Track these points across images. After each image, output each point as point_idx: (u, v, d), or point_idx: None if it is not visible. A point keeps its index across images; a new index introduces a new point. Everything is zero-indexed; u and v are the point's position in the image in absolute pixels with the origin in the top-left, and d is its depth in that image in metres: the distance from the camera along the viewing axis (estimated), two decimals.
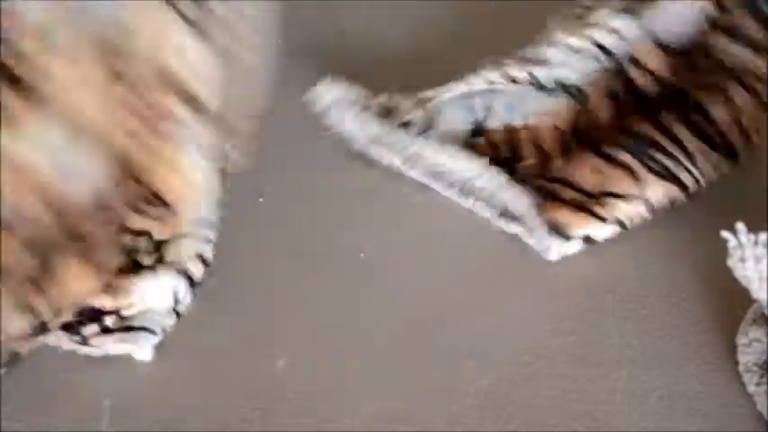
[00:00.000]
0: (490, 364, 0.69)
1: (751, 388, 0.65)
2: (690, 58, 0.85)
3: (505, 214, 0.80)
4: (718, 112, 0.80)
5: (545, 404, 0.66)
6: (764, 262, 0.60)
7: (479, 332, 0.71)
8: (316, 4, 1.10)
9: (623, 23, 0.89)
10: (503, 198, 0.79)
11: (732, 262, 0.60)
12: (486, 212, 0.81)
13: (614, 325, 0.71)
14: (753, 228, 0.60)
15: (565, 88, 0.89)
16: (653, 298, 0.73)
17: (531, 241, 0.78)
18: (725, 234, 0.60)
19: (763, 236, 0.60)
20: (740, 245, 0.59)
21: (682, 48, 0.85)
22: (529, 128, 0.87)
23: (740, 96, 0.80)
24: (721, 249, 0.62)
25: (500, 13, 1.07)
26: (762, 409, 0.64)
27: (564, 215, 0.78)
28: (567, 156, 0.85)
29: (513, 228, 0.79)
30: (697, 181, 0.78)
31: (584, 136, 0.86)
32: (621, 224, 0.78)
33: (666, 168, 0.79)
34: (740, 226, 0.59)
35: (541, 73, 0.91)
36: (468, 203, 0.81)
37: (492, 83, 0.90)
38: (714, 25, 0.84)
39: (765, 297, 0.62)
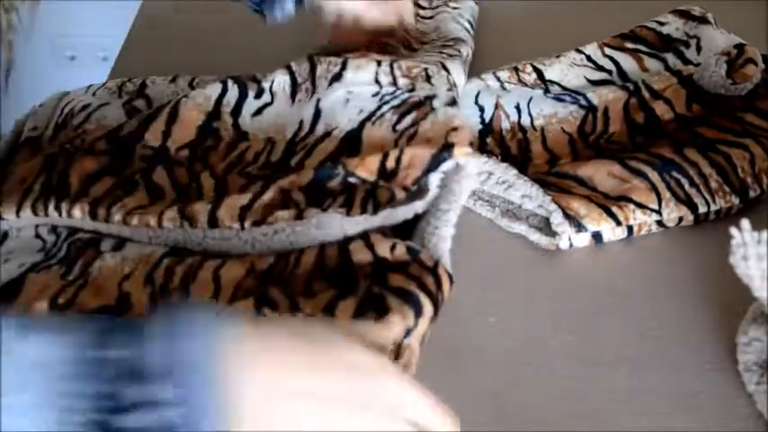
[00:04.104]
0: (490, 363, 0.69)
1: (751, 387, 0.65)
2: (712, 111, 0.87)
3: (508, 213, 0.80)
4: (736, 155, 0.81)
5: (545, 404, 0.66)
6: (767, 260, 0.59)
7: (479, 332, 0.71)
8: None
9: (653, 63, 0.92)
10: (515, 191, 0.79)
11: (734, 260, 0.60)
12: (487, 212, 0.81)
13: (614, 325, 0.71)
14: (756, 226, 0.60)
15: (573, 96, 0.90)
16: (653, 298, 0.73)
17: (534, 237, 0.78)
18: (731, 230, 0.59)
19: (765, 234, 0.59)
20: (743, 243, 0.59)
21: (708, 102, 0.87)
22: (537, 129, 0.88)
23: (756, 149, 0.82)
24: (722, 248, 0.62)
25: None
26: (762, 409, 0.64)
27: (581, 206, 0.78)
28: (575, 158, 0.85)
29: (516, 227, 0.79)
30: (708, 207, 0.79)
31: (593, 142, 0.87)
32: (630, 230, 0.78)
33: (684, 191, 0.79)
34: (745, 223, 0.59)
35: (550, 78, 0.92)
36: (469, 203, 0.81)
37: (502, 81, 0.91)
38: (751, 106, 0.86)
39: (766, 296, 0.61)
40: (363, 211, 0.73)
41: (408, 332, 0.65)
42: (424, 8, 1.03)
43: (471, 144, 0.78)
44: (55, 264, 0.74)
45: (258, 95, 0.86)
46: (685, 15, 0.94)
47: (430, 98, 0.83)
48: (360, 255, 0.70)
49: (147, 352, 0.50)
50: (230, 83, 0.86)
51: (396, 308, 0.64)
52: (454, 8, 1.04)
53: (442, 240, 0.72)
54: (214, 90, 0.86)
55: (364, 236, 0.71)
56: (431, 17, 1.02)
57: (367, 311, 0.65)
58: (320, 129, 0.83)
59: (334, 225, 0.71)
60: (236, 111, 0.85)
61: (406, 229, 0.74)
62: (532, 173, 0.83)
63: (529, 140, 0.87)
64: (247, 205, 0.74)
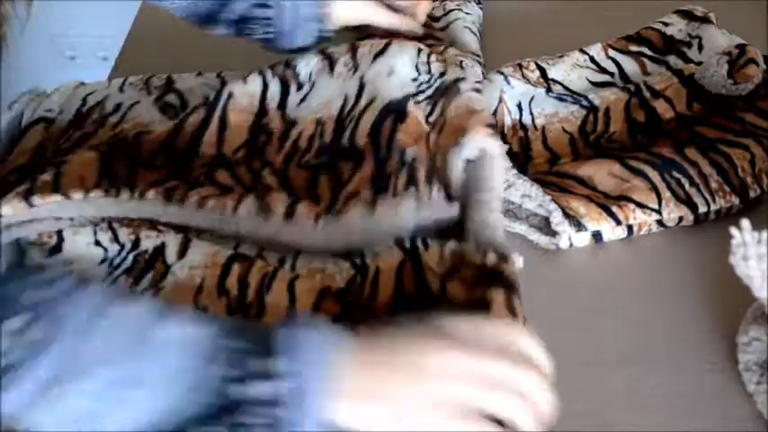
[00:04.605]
0: None
1: (751, 387, 0.65)
2: (712, 110, 0.86)
3: (508, 213, 0.80)
4: (737, 155, 0.81)
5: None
6: (767, 260, 0.59)
7: None
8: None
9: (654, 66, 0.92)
10: (515, 191, 0.79)
11: (735, 260, 0.60)
12: None
13: (614, 325, 0.71)
14: (756, 226, 0.60)
15: (575, 97, 0.90)
16: (653, 298, 0.73)
17: (534, 237, 0.78)
18: (731, 230, 0.59)
19: (765, 234, 0.59)
20: (743, 243, 0.59)
21: (709, 102, 0.87)
22: (537, 128, 0.88)
23: (757, 150, 0.81)
24: (722, 248, 0.62)
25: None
26: (762, 409, 0.64)
27: (580, 205, 0.78)
28: (576, 158, 0.85)
29: (516, 227, 0.79)
30: (708, 207, 0.79)
31: (594, 141, 0.87)
32: (630, 230, 0.78)
33: (684, 190, 0.79)
34: (745, 223, 0.59)
35: (553, 77, 0.92)
36: None
37: (506, 75, 0.91)
38: (751, 105, 0.85)
39: (766, 296, 0.61)
40: (430, 188, 0.74)
41: None
42: (437, 19, 1.02)
43: (491, 125, 0.78)
44: (120, 275, 0.73)
45: (299, 88, 0.86)
46: (688, 15, 0.94)
47: (458, 81, 0.84)
48: (433, 283, 0.70)
49: (270, 344, 0.55)
50: (269, 75, 0.87)
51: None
52: (467, 13, 1.03)
53: (493, 229, 0.72)
54: (256, 87, 0.86)
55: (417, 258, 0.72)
56: (444, 28, 1.01)
57: None
58: (364, 100, 0.84)
59: (408, 220, 0.73)
60: (282, 104, 0.86)
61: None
62: (533, 172, 0.83)
63: (530, 139, 0.87)
64: (322, 213, 0.75)
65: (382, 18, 0.91)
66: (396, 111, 0.82)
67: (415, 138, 0.80)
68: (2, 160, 0.84)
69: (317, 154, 0.82)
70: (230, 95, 0.85)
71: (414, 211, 0.73)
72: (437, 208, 0.74)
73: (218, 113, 0.84)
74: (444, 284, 0.68)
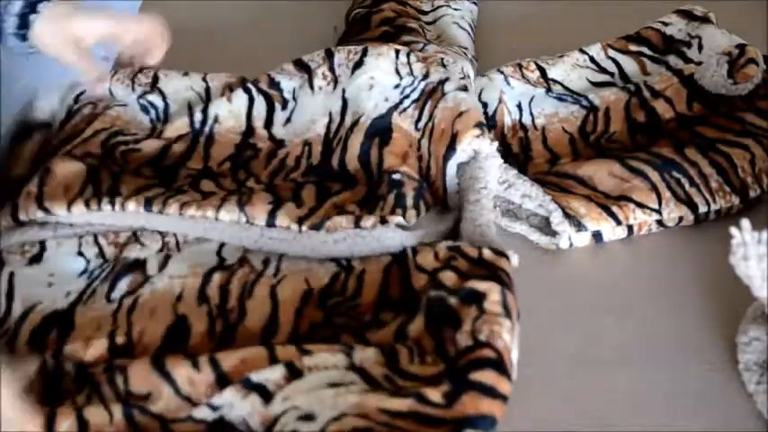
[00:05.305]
0: None
1: (751, 387, 0.65)
2: (712, 110, 0.87)
3: (508, 213, 0.80)
4: (737, 155, 0.81)
5: (545, 404, 0.66)
6: (766, 260, 0.59)
7: None
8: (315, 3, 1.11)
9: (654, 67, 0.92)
10: (515, 191, 0.79)
11: (735, 260, 0.60)
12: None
13: (614, 325, 0.71)
14: (756, 226, 0.60)
15: (575, 97, 0.90)
16: (653, 298, 0.73)
17: (534, 237, 0.78)
18: (731, 230, 0.59)
19: (765, 234, 0.59)
20: (743, 243, 0.59)
21: (709, 102, 0.87)
22: (537, 128, 0.88)
23: (757, 150, 0.81)
24: (722, 248, 0.62)
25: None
26: (762, 409, 0.64)
27: (580, 205, 0.78)
28: (576, 158, 0.85)
29: (516, 227, 0.79)
30: (708, 207, 0.79)
31: (594, 141, 0.87)
32: (630, 230, 0.78)
33: (684, 190, 0.79)
34: (745, 223, 0.59)
35: (553, 77, 0.92)
36: None
37: (506, 75, 0.91)
38: (750, 105, 0.86)
39: (766, 295, 0.61)
40: (417, 212, 0.75)
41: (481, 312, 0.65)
42: (425, 12, 1.03)
43: (480, 125, 0.78)
44: (99, 285, 0.73)
45: (284, 106, 0.87)
46: (688, 15, 0.94)
47: (442, 82, 0.84)
48: (419, 280, 0.70)
49: None
50: (254, 91, 0.87)
51: (461, 310, 0.65)
52: (456, 9, 1.03)
53: (486, 227, 0.73)
54: (241, 104, 0.86)
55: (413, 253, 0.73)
56: (432, 22, 1.01)
57: (439, 324, 0.66)
58: (348, 119, 0.84)
59: (396, 239, 0.74)
60: (268, 122, 0.86)
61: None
62: (533, 172, 0.83)
63: (530, 139, 0.87)
64: (305, 216, 0.75)
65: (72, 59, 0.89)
66: (380, 131, 0.82)
67: (403, 155, 0.80)
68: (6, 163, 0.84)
69: (305, 173, 0.82)
70: (216, 119, 0.85)
71: (400, 237, 0.74)
72: (424, 231, 0.75)
73: (203, 139, 0.85)
74: (436, 275, 0.68)
